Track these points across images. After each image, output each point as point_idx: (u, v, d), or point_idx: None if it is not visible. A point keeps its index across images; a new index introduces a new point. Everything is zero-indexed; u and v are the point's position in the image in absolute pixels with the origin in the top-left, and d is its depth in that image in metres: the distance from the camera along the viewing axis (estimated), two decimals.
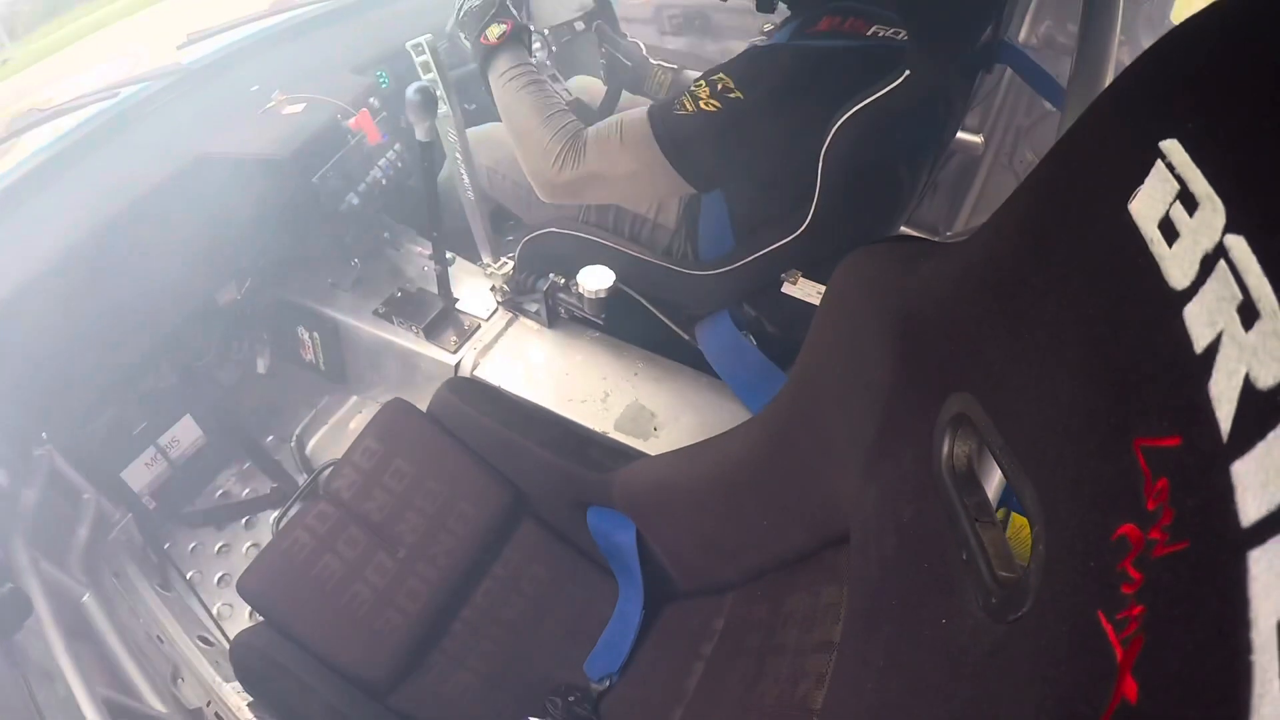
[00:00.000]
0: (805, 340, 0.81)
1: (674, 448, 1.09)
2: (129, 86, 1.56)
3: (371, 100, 1.60)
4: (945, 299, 0.58)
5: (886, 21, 1.07)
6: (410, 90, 1.22)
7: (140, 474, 1.58)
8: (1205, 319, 0.32)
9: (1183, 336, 0.33)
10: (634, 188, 1.19)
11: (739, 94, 1.05)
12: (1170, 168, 0.34)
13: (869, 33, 1.07)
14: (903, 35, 1.04)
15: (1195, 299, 0.32)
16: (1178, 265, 0.34)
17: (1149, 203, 0.36)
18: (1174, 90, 0.36)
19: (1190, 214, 0.33)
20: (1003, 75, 1.76)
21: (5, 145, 1.45)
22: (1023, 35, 1.65)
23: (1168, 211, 0.34)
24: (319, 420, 1.82)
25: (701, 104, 1.07)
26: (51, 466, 1.39)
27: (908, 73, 0.96)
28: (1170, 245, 0.34)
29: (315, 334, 1.72)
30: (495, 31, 1.21)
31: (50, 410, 1.37)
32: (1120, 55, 0.94)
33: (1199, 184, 0.33)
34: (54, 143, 1.44)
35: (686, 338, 1.41)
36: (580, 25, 1.53)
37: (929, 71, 0.96)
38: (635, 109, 1.15)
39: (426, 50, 1.23)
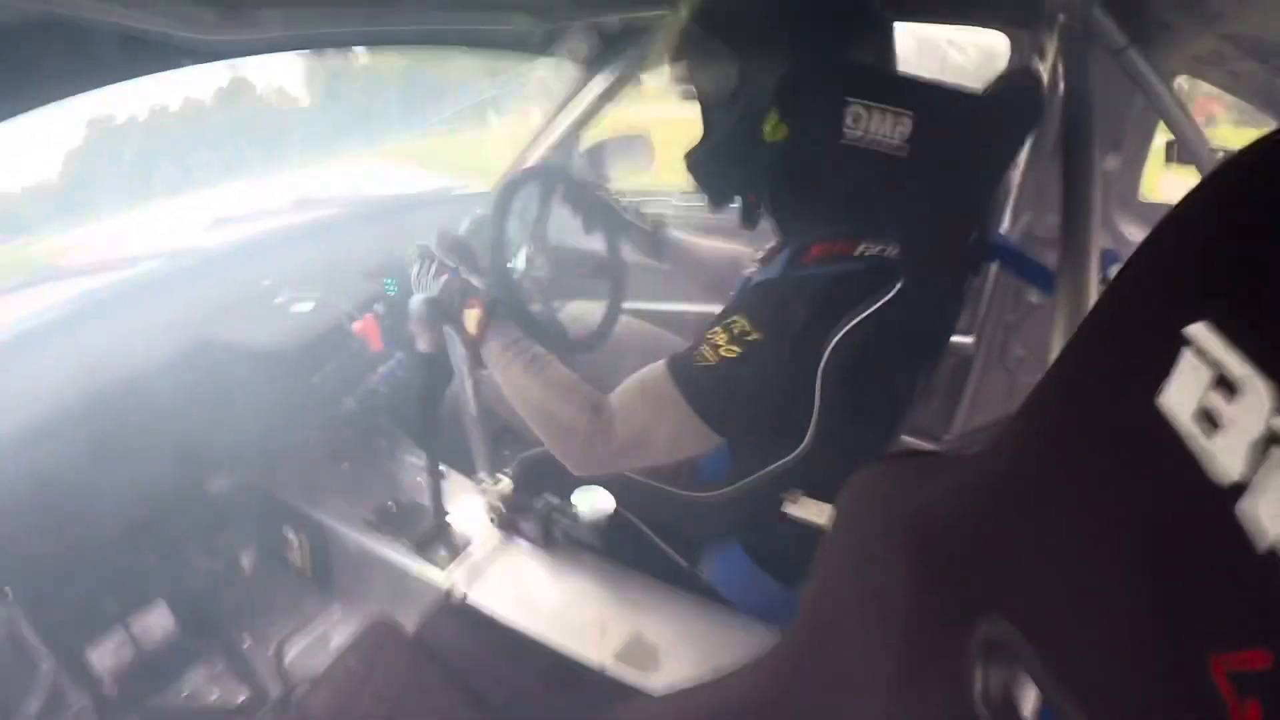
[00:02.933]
0: (813, 568, 0.76)
1: (677, 682, 1.01)
2: (149, 260, 1.62)
3: (377, 306, 1.64)
4: (964, 516, 0.55)
5: (871, 239, 1.08)
6: (414, 300, 1.23)
7: (105, 655, 1.45)
8: (1266, 513, 0.29)
9: (1239, 536, 0.30)
10: (674, 450, 1.13)
11: (758, 335, 1.03)
12: (1200, 353, 0.33)
13: (856, 252, 1.07)
14: (889, 250, 1.06)
15: (1249, 493, 0.30)
16: (1223, 458, 0.31)
17: (1181, 394, 0.34)
18: (1195, 269, 0.35)
19: (1230, 400, 0.31)
20: (988, 273, 1.83)
21: (20, 295, 1.49)
22: (1003, 231, 1.72)
23: (1203, 400, 0.32)
24: (300, 627, 1.70)
25: (721, 351, 1.04)
26: (10, 625, 1.28)
27: (901, 284, 0.98)
28: (1211, 437, 0.32)
29: (303, 536, 1.65)
30: (473, 321, 1.18)
31: (16, 567, 1.28)
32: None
33: (1236, 366, 0.31)
34: (64, 303, 1.48)
35: (685, 564, 1.34)
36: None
37: (922, 280, 0.99)
38: (650, 368, 1.12)
39: (431, 259, 1.24)
